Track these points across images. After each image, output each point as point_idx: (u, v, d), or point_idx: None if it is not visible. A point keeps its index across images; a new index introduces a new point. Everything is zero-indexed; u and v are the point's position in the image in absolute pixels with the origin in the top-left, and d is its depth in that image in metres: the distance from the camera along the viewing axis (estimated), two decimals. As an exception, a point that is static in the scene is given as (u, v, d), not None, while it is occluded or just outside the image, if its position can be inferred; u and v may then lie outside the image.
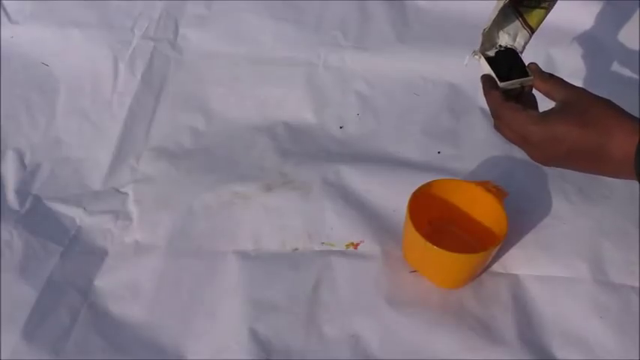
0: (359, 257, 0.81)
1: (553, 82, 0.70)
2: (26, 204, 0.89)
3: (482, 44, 0.74)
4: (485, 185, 0.80)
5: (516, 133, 0.70)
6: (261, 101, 1.02)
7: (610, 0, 1.07)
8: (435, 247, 0.73)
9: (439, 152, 0.94)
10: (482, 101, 0.99)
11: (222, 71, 1.05)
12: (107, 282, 0.81)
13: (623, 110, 0.66)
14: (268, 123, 0.99)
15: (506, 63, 0.73)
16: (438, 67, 1.04)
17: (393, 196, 0.84)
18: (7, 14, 1.12)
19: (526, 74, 0.71)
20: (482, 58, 0.73)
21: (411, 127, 0.97)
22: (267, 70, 1.05)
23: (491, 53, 0.73)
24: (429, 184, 0.79)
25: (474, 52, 0.73)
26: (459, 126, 0.97)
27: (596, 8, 1.07)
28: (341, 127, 0.98)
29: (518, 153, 0.93)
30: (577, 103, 0.67)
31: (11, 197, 0.89)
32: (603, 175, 0.68)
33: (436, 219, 0.81)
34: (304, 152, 0.94)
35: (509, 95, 0.72)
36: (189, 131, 0.98)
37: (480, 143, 0.95)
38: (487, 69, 0.72)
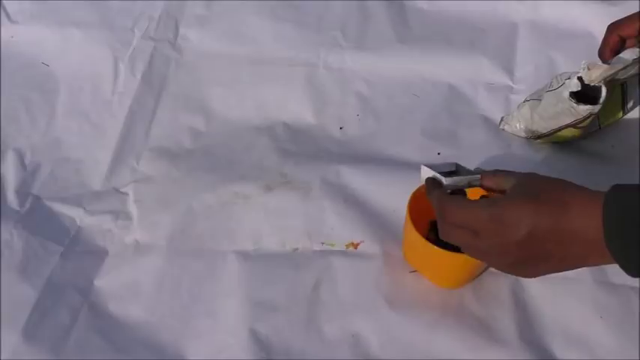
0: (359, 257, 0.81)
1: (500, 174, 0.66)
2: (26, 204, 0.89)
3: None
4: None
5: (464, 224, 0.62)
6: (261, 101, 1.02)
7: (610, 0, 1.08)
8: (435, 247, 0.73)
9: (439, 153, 0.94)
10: (482, 101, 1.00)
11: (222, 71, 1.05)
12: (107, 282, 0.81)
13: (579, 186, 0.60)
14: (268, 123, 0.99)
15: (449, 173, 0.71)
16: (438, 67, 1.04)
17: (393, 196, 0.84)
18: (7, 14, 1.12)
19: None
20: (423, 167, 0.72)
21: (411, 127, 0.97)
22: (267, 70, 1.05)
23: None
24: (429, 184, 0.79)
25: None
26: (458, 127, 0.97)
27: (596, 8, 1.07)
28: (341, 128, 0.98)
29: (518, 153, 0.93)
30: (528, 184, 0.61)
31: (11, 197, 0.89)
32: (574, 263, 0.60)
33: (436, 219, 0.81)
34: (304, 152, 0.94)
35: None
36: (190, 131, 0.98)
37: (479, 144, 0.95)
38: (429, 173, 0.71)
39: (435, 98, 1.01)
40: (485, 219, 0.60)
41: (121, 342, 0.76)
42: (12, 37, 1.09)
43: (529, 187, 0.60)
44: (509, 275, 0.79)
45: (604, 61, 0.85)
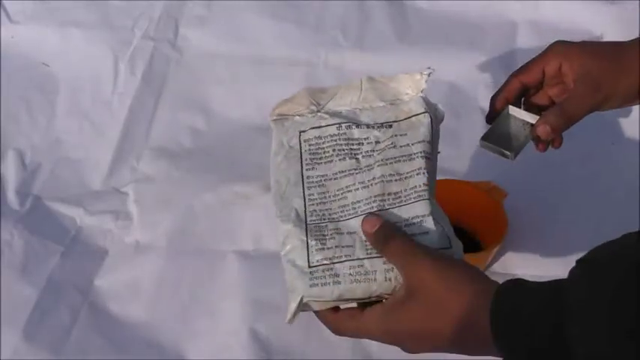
0: (359, 257, 0.81)
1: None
2: (27, 204, 0.89)
3: None
4: (485, 185, 0.80)
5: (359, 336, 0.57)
6: (262, 101, 1.01)
7: (610, 0, 1.08)
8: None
9: (439, 152, 0.93)
10: (482, 101, 1.00)
11: (222, 71, 1.05)
12: (107, 282, 0.81)
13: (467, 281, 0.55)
14: (268, 123, 0.99)
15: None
16: (438, 66, 1.02)
17: (393, 196, 0.84)
18: (7, 14, 1.12)
19: None
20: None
21: (411, 126, 0.97)
22: (267, 70, 1.05)
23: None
24: (428, 184, 0.79)
25: None
26: (459, 126, 0.97)
27: (596, 8, 1.07)
28: (341, 127, 0.98)
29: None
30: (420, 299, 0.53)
31: (12, 197, 0.89)
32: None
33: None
34: (304, 152, 0.94)
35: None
36: (190, 131, 0.98)
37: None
38: None
39: (435, 97, 1.00)
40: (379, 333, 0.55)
41: (121, 342, 0.76)
42: (12, 37, 1.09)
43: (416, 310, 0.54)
44: (509, 275, 0.80)
45: (493, 108, 0.72)
